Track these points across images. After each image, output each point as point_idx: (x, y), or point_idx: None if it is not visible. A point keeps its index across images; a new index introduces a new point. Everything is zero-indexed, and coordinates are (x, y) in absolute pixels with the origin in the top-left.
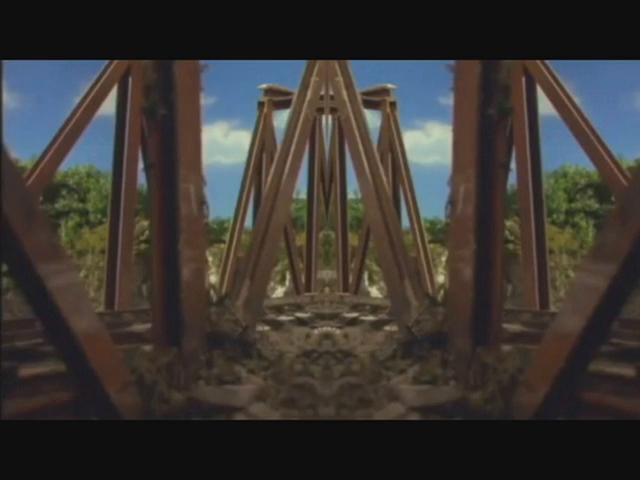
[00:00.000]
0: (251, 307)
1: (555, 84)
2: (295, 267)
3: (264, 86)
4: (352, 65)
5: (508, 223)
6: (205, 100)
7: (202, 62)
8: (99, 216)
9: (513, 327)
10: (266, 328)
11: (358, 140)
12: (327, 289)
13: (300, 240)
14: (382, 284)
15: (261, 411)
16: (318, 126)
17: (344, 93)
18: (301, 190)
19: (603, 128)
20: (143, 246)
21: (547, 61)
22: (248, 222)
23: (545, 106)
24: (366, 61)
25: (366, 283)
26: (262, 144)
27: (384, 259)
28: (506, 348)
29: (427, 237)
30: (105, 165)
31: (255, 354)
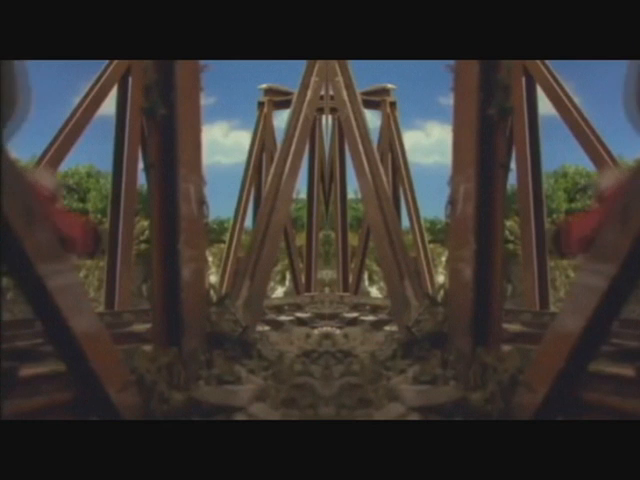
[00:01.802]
0: (251, 307)
1: (555, 84)
2: (295, 267)
3: (264, 86)
4: (352, 65)
5: (508, 223)
6: (205, 100)
7: (202, 62)
8: (99, 216)
9: (513, 327)
10: (266, 328)
11: (358, 140)
12: (327, 289)
13: (300, 240)
14: (382, 284)
15: (261, 411)
16: (318, 126)
17: (344, 93)
18: (301, 190)
19: (603, 128)
20: (143, 246)
21: (547, 61)
22: (248, 222)
23: (545, 106)
24: (366, 61)
25: (366, 283)
26: (262, 144)
27: (384, 259)
28: (506, 348)
29: (427, 237)
30: (105, 165)
31: (255, 354)
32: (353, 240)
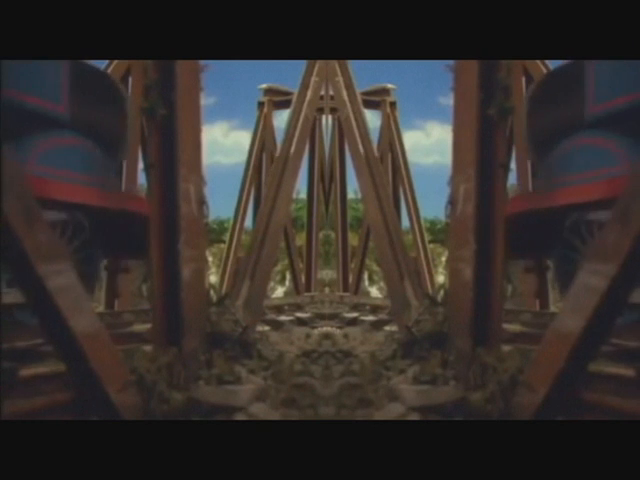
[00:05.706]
0: (251, 307)
1: None
2: (295, 267)
3: (264, 86)
4: (352, 65)
5: None
6: (205, 100)
7: (202, 62)
8: None
9: (513, 327)
10: (266, 328)
11: (358, 140)
12: (327, 289)
13: (300, 240)
14: (382, 284)
15: (261, 411)
16: (318, 126)
17: (344, 93)
18: (301, 190)
19: None
20: None
21: (547, 61)
22: (248, 222)
23: None
24: (366, 61)
25: (366, 283)
26: (262, 144)
27: (384, 259)
28: (506, 348)
29: (427, 237)
30: None
31: (255, 354)
32: (353, 240)
